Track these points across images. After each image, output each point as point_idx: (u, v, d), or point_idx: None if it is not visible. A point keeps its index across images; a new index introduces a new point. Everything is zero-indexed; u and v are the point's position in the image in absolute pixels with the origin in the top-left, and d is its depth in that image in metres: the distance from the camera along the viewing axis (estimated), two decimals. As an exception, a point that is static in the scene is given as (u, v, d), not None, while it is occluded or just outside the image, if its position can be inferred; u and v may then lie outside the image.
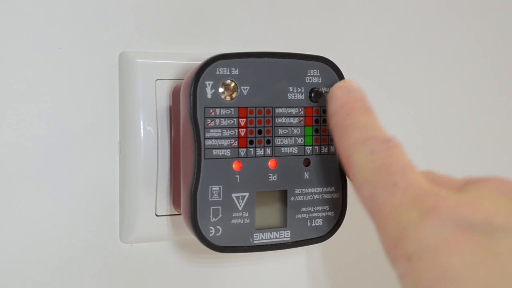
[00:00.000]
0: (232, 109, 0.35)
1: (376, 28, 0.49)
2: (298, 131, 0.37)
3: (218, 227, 0.35)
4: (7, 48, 0.37)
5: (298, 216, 0.37)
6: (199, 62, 0.35)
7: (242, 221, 0.35)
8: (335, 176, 0.37)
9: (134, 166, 0.39)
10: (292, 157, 0.37)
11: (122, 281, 0.41)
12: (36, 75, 0.38)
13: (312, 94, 0.37)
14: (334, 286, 0.50)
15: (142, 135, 0.39)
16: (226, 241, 0.35)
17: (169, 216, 0.40)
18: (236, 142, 0.35)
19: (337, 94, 0.32)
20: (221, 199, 0.35)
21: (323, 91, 0.37)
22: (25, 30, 0.37)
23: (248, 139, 0.36)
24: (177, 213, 0.40)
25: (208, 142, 0.35)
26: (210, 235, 0.35)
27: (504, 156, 0.57)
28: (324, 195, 0.37)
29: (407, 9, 0.51)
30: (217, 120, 0.35)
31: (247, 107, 0.35)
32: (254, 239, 0.36)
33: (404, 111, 0.51)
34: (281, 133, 0.36)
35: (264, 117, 0.36)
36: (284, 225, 0.37)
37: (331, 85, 0.37)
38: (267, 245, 0.36)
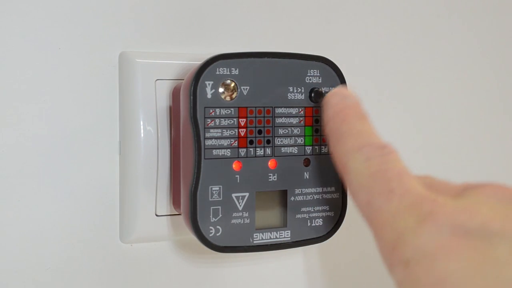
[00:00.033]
0: (232, 109, 0.35)
1: (376, 28, 0.49)
2: (298, 131, 0.37)
3: (218, 227, 0.35)
4: (7, 48, 0.37)
5: (298, 216, 0.37)
6: (199, 62, 0.35)
7: (242, 221, 0.35)
8: (335, 176, 0.37)
9: (134, 166, 0.39)
10: (292, 157, 0.37)
11: (122, 281, 0.41)
12: (36, 75, 0.38)
13: (312, 94, 0.37)
14: (333, 286, 0.50)
15: (142, 135, 0.39)
16: (226, 241, 0.35)
17: (169, 216, 0.40)
18: (236, 142, 0.35)
19: (332, 101, 0.32)
20: (221, 199, 0.35)
21: (323, 91, 0.37)
22: (25, 30, 0.37)
23: (248, 139, 0.36)
24: (177, 213, 0.40)
25: (208, 142, 0.35)
26: (210, 235, 0.35)
27: (504, 156, 0.57)
28: (324, 195, 0.37)
29: (407, 9, 0.51)
30: (217, 120, 0.35)
31: (247, 107, 0.35)
32: (254, 239, 0.36)
33: (404, 111, 0.51)
34: (281, 133, 0.36)
35: (264, 117, 0.36)
36: (284, 225, 0.37)
37: (331, 85, 0.37)
38: (267, 245, 0.36)
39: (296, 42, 0.46)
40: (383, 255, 0.26)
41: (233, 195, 0.35)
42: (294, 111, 0.37)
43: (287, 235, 0.37)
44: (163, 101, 0.39)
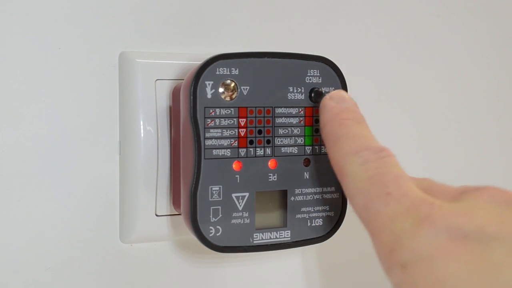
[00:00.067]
0: (232, 109, 0.35)
1: (376, 28, 0.49)
2: (298, 131, 0.37)
3: (218, 227, 0.35)
4: (7, 48, 0.37)
5: (298, 216, 0.37)
6: (199, 62, 0.35)
7: (242, 221, 0.35)
8: (335, 176, 0.37)
9: (134, 166, 0.39)
10: (292, 157, 0.37)
11: (122, 281, 0.41)
12: (36, 75, 0.38)
13: (312, 94, 0.37)
14: (333, 286, 0.50)
15: (142, 135, 0.39)
16: (226, 241, 0.35)
17: (169, 216, 0.40)
18: (236, 142, 0.35)
19: (329, 104, 0.33)
20: (221, 199, 0.35)
21: (323, 91, 0.37)
22: (25, 30, 0.37)
23: (248, 139, 0.36)
24: (177, 213, 0.40)
25: (208, 142, 0.35)
26: (210, 235, 0.35)
27: (504, 157, 0.57)
28: (324, 195, 0.37)
29: (407, 10, 0.51)
30: (217, 120, 0.35)
31: (247, 107, 0.35)
32: (254, 239, 0.36)
33: (404, 111, 0.51)
34: (281, 133, 0.36)
35: (264, 117, 0.36)
36: (284, 225, 0.37)
37: (331, 85, 0.37)
38: (267, 245, 0.36)
39: (296, 42, 0.46)
40: (381, 258, 0.26)
41: (233, 195, 0.35)
42: (294, 111, 0.37)
43: (287, 235, 0.37)
44: (163, 101, 0.39)
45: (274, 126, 0.36)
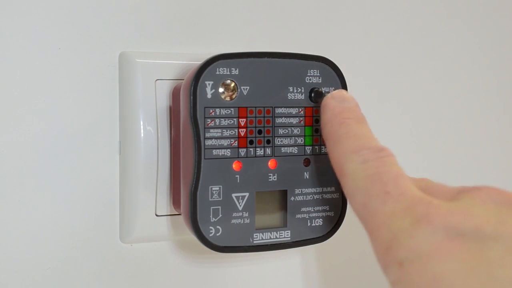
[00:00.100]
0: (232, 109, 0.35)
1: (376, 29, 0.49)
2: (298, 131, 0.37)
3: (218, 227, 0.35)
4: (7, 48, 0.37)
5: (298, 216, 0.37)
6: (199, 62, 0.35)
7: (242, 221, 0.35)
8: (335, 176, 0.37)
9: (134, 166, 0.39)
10: (292, 157, 0.37)
11: (122, 281, 0.41)
12: (36, 75, 0.38)
13: (312, 94, 0.37)
14: (333, 286, 0.50)
15: (142, 135, 0.39)
16: (226, 241, 0.35)
17: (169, 216, 0.40)
18: (236, 142, 0.35)
19: (330, 104, 0.33)
20: (221, 199, 0.35)
21: (323, 91, 0.37)
22: (25, 30, 0.37)
23: (248, 139, 0.36)
24: (177, 213, 0.40)
25: (208, 142, 0.35)
26: (210, 235, 0.35)
27: (504, 157, 0.57)
28: (324, 195, 0.37)
29: (407, 10, 0.51)
30: (217, 120, 0.35)
31: (247, 107, 0.35)
32: (254, 239, 0.36)
33: (404, 111, 0.51)
34: (281, 133, 0.36)
35: (264, 117, 0.36)
36: (284, 225, 0.37)
37: (331, 85, 0.37)
38: (267, 245, 0.36)
39: (296, 42, 0.46)
40: (378, 256, 0.27)
41: (233, 195, 0.35)
42: (294, 111, 0.37)
43: (287, 235, 0.37)
44: (163, 101, 0.39)
45: (274, 126, 0.36)
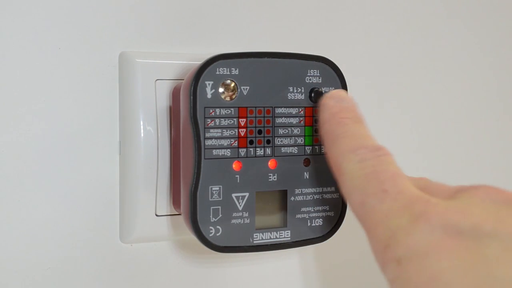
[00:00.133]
0: (232, 109, 0.35)
1: (376, 28, 0.49)
2: (298, 131, 0.37)
3: (218, 227, 0.35)
4: (7, 48, 0.37)
5: (298, 216, 0.37)
6: (199, 62, 0.35)
7: (242, 221, 0.35)
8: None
9: (134, 166, 0.39)
10: (292, 157, 0.37)
11: (122, 281, 0.41)
12: (36, 75, 0.38)
13: (312, 94, 0.37)
14: (333, 286, 0.50)
15: (142, 135, 0.39)
16: (226, 241, 0.35)
17: (169, 216, 0.40)
18: (236, 142, 0.35)
19: (328, 103, 0.33)
20: (221, 199, 0.35)
21: (323, 91, 0.37)
22: (25, 30, 0.37)
23: (248, 139, 0.36)
24: (177, 213, 0.40)
25: (208, 142, 0.35)
26: (210, 235, 0.35)
27: (504, 157, 0.57)
28: (324, 195, 0.37)
29: (407, 9, 0.51)
30: (217, 120, 0.35)
31: (247, 107, 0.35)
32: (254, 239, 0.36)
33: (404, 111, 0.51)
34: (281, 133, 0.36)
35: (264, 117, 0.36)
36: (284, 225, 0.37)
37: (331, 85, 0.37)
38: (267, 245, 0.36)
39: (296, 42, 0.46)
40: (376, 254, 0.27)
41: (233, 195, 0.35)
42: (294, 111, 0.37)
43: (287, 235, 0.37)
44: (163, 101, 0.39)
45: (274, 126, 0.36)
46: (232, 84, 0.35)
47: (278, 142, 0.36)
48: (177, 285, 0.43)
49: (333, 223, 0.38)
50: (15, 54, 0.37)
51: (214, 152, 0.35)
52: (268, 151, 0.36)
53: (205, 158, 0.34)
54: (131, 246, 0.41)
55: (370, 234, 0.27)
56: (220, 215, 0.35)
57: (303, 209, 0.37)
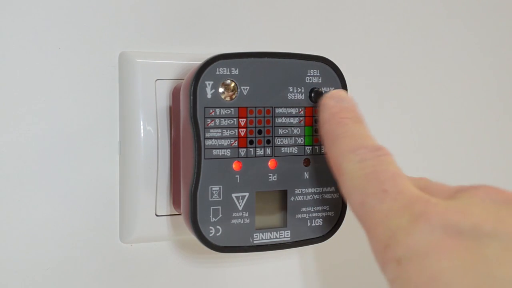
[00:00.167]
0: (232, 109, 0.35)
1: (376, 28, 0.49)
2: (298, 131, 0.37)
3: (218, 227, 0.35)
4: (7, 48, 0.37)
5: (298, 216, 0.37)
6: (199, 62, 0.35)
7: (242, 221, 0.35)
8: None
9: (134, 166, 0.39)
10: (292, 157, 0.37)
11: (122, 281, 0.41)
12: (36, 75, 0.38)
13: (312, 94, 0.37)
14: (333, 286, 0.50)
15: (142, 135, 0.39)
16: (226, 241, 0.35)
17: (169, 216, 0.40)
18: (236, 142, 0.35)
19: (328, 103, 0.33)
20: (221, 199, 0.35)
21: (323, 91, 0.37)
22: (25, 30, 0.37)
23: (248, 139, 0.36)
24: (177, 213, 0.40)
25: (208, 142, 0.35)
26: (210, 235, 0.35)
27: (504, 157, 0.57)
28: (324, 195, 0.37)
29: (407, 9, 0.51)
30: (217, 120, 0.35)
31: (247, 107, 0.35)
32: (254, 239, 0.36)
33: (404, 111, 0.51)
34: (281, 133, 0.36)
35: (264, 117, 0.36)
36: (284, 225, 0.37)
37: (331, 85, 0.37)
38: (267, 245, 0.36)
39: (296, 42, 0.46)
40: (376, 254, 0.27)
41: (233, 195, 0.35)
42: (294, 111, 0.37)
43: (287, 235, 0.37)
44: (163, 101, 0.39)
45: (274, 126, 0.36)
46: (232, 84, 0.35)
47: (278, 142, 0.36)
48: (177, 285, 0.43)
49: (333, 223, 0.38)
50: (15, 54, 0.37)
51: (214, 152, 0.35)
52: (268, 151, 0.36)
53: (205, 158, 0.34)
54: (131, 246, 0.41)
55: (370, 234, 0.27)
56: (220, 215, 0.35)
57: (303, 209, 0.37)
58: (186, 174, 0.35)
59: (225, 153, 0.35)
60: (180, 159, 0.37)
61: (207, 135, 0.34)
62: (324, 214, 0.37)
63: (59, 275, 0.39)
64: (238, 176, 0.35)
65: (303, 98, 0.37)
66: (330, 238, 0.38)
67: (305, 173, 0.37)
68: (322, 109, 0.33)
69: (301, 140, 0.37)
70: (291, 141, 0.37)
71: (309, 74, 0.37)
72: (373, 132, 0.32)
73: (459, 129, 0.54)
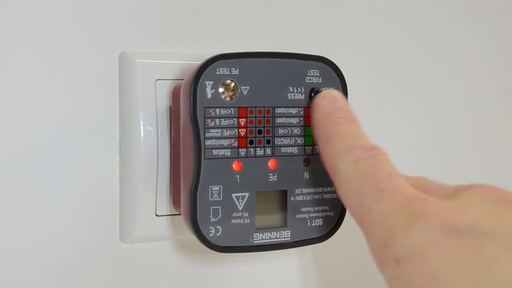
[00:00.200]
0: (232, 109, 0.35)
1: (376, 29, 0.49)
2: (298, 131, 0.37)
3: (218, 227, 0.35)
4: (7, 48, 0.37)
5: (298, 216, 0.37)
6: (199, 62, 0.35)
7: (242, 221, 0.35)
8: (335, 176, 0.37)
9: (134, 166, 0.39)
10: (292, 157, 0.37)
11: (122, 281, 0.41)
12: (36, 75, 0.38)
13: (312, 94, 0.37)
14: (333, 286, 0.50)
15: (142, 135, 0.39)
16: (226, 241, 0.35)
17: (169, 216, 0.40)
18: (236, 142, 0.35)
19: (321, 104, 0.33)
20: (221, 199, 0.35)
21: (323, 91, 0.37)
22: (25, 30, 0.37)
23: (248, 139, 0.36)
24: (177, 213, 0.40)
25: (208, 142, 0.35)
26: (210, 235, 0.35)
27: (504, 157, 0.57)
28: (324, 195, 0.37)
29: (407, 10, 0.51)
30: (217, 120, 0.35)
31: (247, 107, 0.35)
32: (254, 239, 0.36)
33: (403, 112, 0.51)
34: (281, 133, 0.36)
35: (264, 117, 0.36)
36: (284, 225, 0.37)
37: (331, 85, 0.37)
38: (267, 245, 0.36)
39: (296, 42, 0.46)
40: (374, 254, 0.27)
41: (233, 195, 0.35)
42: (294, 111, 0.37)
43: (287, 235, 0.37)
44: (163, 101, 0.39)
45: (274, 126, 0.36)
46: (232, 84, 0.35)
47: (278, 142, 0.36)
48: (177, 285, 0.43)
49: (333, 223, 0.38)
50: (15, 54, 0.37)
51: (214, 152, 0.35)
52: (268, 151, 0.36)
53: (205, 158, 0.34)
54: (131, 246, 0.41)
55: (368, 234, 0.27)
56: (220, 215, 0.35)
57: (303, 209, 0.37)
58: (186, 174, 0.35)
59: (225, 153, 0.35)
60: (180, 159, 0.37)
61: (207, 135, 0.34)
62: (324, 214, 0.37)
63: (59, 275, 0.39)
64: (238, 176, 0.35)
65: (303, 98, 0.37)
66: (330, 238, 0.38)
67: (305, 173, 0.37)
68: (315, 110, 0.33)
69: (301, 140, 0.37)
70: (291, 141, 0.37)
71: (309, 74, 0.37)
72: (373, 132, 0.32)
73: (458, 129, 0.54)
